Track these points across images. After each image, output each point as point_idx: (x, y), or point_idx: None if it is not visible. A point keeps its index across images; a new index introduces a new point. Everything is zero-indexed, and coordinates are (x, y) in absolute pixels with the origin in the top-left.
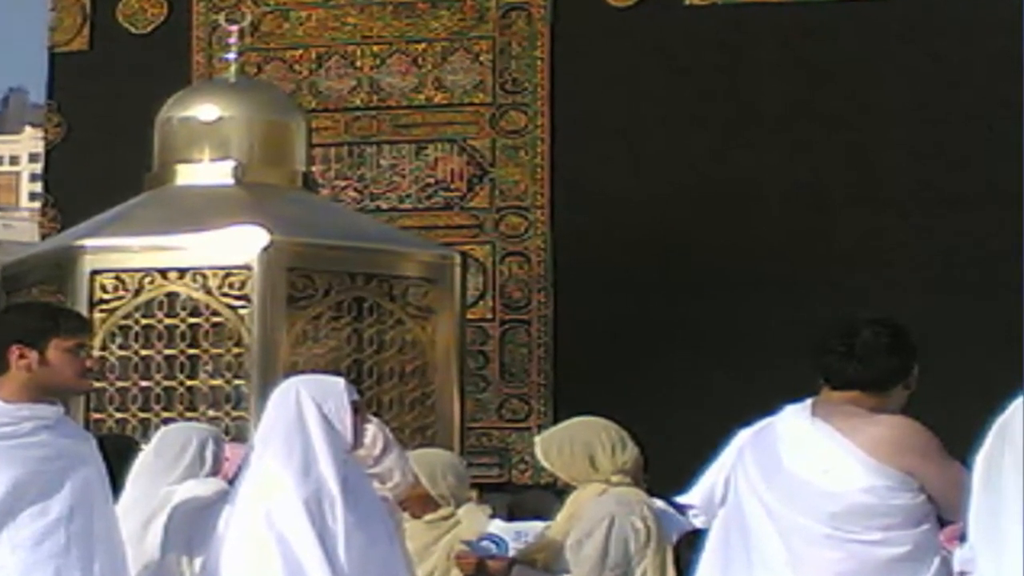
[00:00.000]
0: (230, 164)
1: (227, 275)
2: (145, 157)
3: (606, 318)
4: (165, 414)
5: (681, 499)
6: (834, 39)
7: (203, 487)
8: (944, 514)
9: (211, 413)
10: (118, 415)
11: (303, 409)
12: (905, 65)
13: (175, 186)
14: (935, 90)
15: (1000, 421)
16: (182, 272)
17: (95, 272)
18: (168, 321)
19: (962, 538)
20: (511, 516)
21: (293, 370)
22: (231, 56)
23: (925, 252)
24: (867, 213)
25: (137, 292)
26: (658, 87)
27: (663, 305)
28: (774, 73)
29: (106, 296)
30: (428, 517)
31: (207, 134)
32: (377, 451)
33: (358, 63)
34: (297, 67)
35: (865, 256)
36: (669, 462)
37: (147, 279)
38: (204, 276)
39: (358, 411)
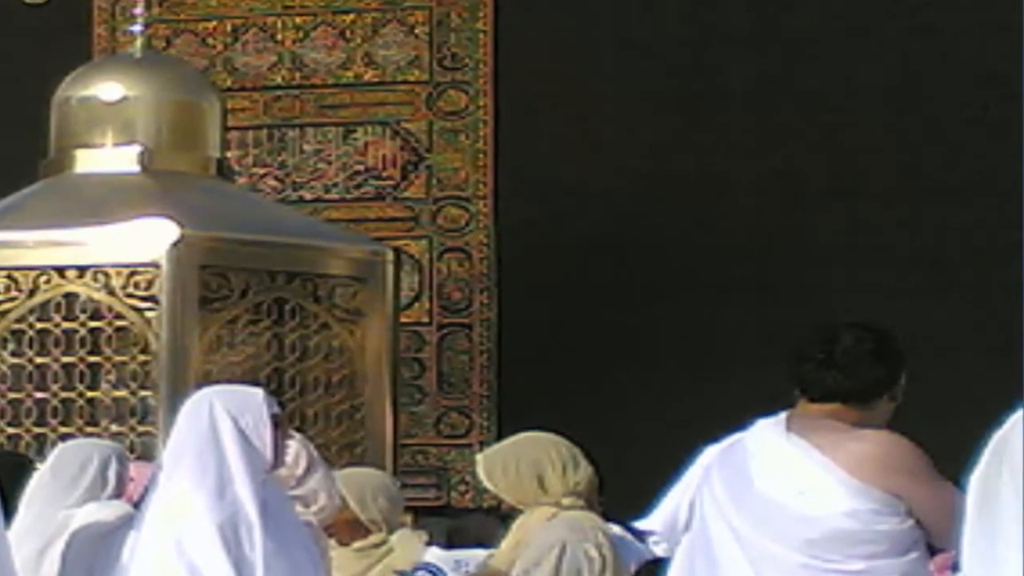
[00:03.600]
0: (135, 149)
1: (132, 274)
2: (40, 141)
3: (556, 322)
4: (63, 429)
5: (640, 524)
6: (812, 10)
7: (105, 511)
8: (934, 541)
9: (114, 428)
10: (10, 430)
11: (217, 424)
12: (891, 39)
13: (74, 174)
14: (924, 67)
15: (997, 437)
16: (82, 270)
17: None
18: (66, 325)
19: (954, 568)
20: (450, 543)
21: (206, 380)
22: (137, 28)
23: (912, 249)
24: (848, 205)
25: (31, 293)
26: (615, 64)
27: (620, 308)
28: (744, 48)
29: None
30: (357, 544)
31: (110, 116)
32: (300, 471)
33: (279, 36)
34: (210, 41)
35: (845, 253)
36: (627, 483)
37: (42, 278)
38: (106, 275)
39: (279, 426)
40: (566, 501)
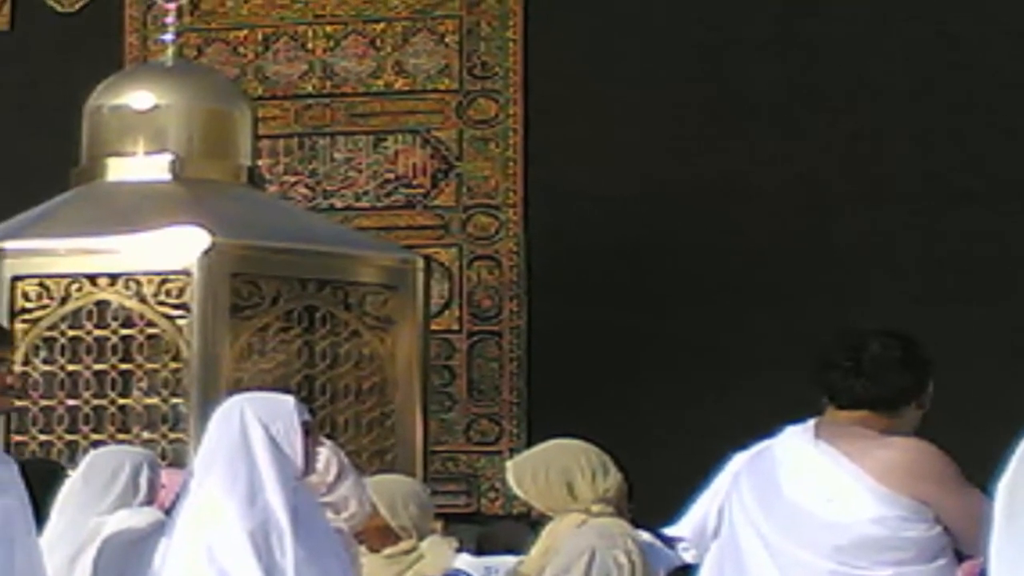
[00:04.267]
0: (167, 158)
1: (164, 281)
2: (72, 149)
3: (585, 329)
4: (95, 436)
5: (669, 531)
6: (834, 15)
7: (137, 517)
8: (962, 548)
9: (146, 435)
10: (42, 437)
11: (248, 431)
12: (913, 44)
13: (105, 182)
14: (947, 72)
15: None
16: (113, 278)
17: (16, 278)
18: (98, 332)
19: (982, 574)
20: (480, 550)
21: (237, 387)
22: (168, 37)
23: (936, 255)
24: (870, 211)
25: (63, 300)
26: (642, 72)
27: (648, 315)
28: (768, 54)
29: (29, 305)
30: (388, 551)
31: (141, 124)
32: (331, 477)
33: (309, 45)
34: (242, 50)
35: (869, 259)
36: (656, 490)
37: (74, 286)
38: (138, 283)
39: (309, 433)
40: (595, 508)
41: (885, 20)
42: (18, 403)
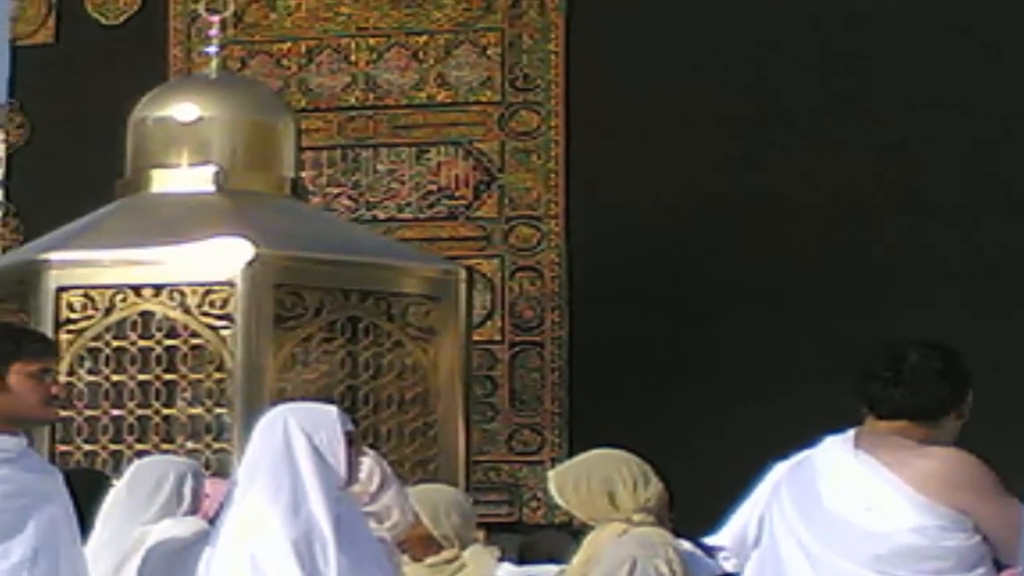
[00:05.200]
0: (211, 169)
1: (208, 292)
2: (117, 161)
3: (626, 340)
4: (139, 446)
5: (710, 540)
6: (877, 29)
7: (181, 527)
8: (1001, 557)
9: (190, 445)
10: (87, 447)
11: (292, 440)
12: (955, 58)
13: (150, 193)
14: (988, 86)
15: None
16: (158, 289)
17: (61, 289)
18: (142, 343)
19: None
20: (522, 559)
21: (281, 397)
22: (212, 50)
23: (975, 266)
24: (910, 222)
25: (108, 311)
26: (683, 85)
27: (689, 325)
28: (809, 67)
29: (74, 315)
30: (430, 560)
31: (185, 136)
32: (374, 487)
33: (352, 57)
34: (285, 62)
35: (908, 271)
36: (697, 499)
37: (119, 296)
38: (182, 293)
39: (352, 443)
40: (637, 517)
41: (926, 34)
42: (63, 413)
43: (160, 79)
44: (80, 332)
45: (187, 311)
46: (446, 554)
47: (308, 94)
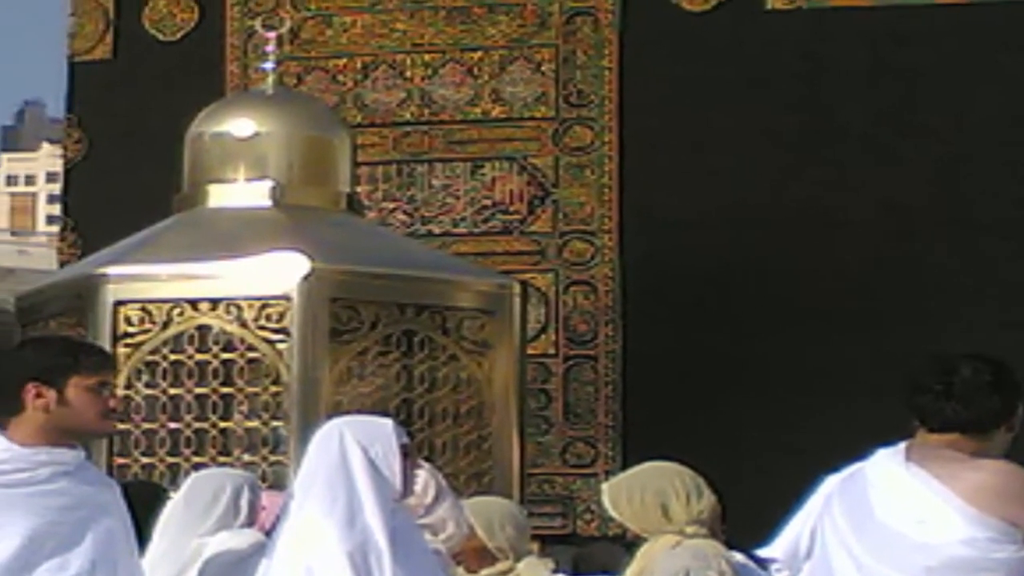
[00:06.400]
0: (267, 184)
1: (264, 306)
2: (174, 176)
3: (679, 353)
4: (196, 459)
5: (763, 552)
6: (928, 45)
7: (238, 539)
8: None
9: (246, 458)
10: (144, 460)
11: (348, 453)
12: (1005, 74)
13: (207, 208)
14: None
15: None
16: (214, 303)
17: (119, 303)
18: (199, 357)
19: None
20: (576, 571)
21: (336, 410)
22: (268, 66)
23: None
24: (961, 237)
25: (165, 325)
26: (735, 100)
27: (741, 339)
28: (862, 83)
29: (131, 329)
30: (485, 572)
31: (242, 151)
32: (429, 499)
33: (408, 73)
34: (341, 78)
35: (958, 285)
36: (749, 511)
37: (176, 310)
38: (239, 307)
39: (408, 455)
40: (690, 529)
41: (976, 48)
42: (120, 426)
43: (217, 95)
44: (137, 346)
45: (244, 325)
46: (500, 566)
47: (364, 110)
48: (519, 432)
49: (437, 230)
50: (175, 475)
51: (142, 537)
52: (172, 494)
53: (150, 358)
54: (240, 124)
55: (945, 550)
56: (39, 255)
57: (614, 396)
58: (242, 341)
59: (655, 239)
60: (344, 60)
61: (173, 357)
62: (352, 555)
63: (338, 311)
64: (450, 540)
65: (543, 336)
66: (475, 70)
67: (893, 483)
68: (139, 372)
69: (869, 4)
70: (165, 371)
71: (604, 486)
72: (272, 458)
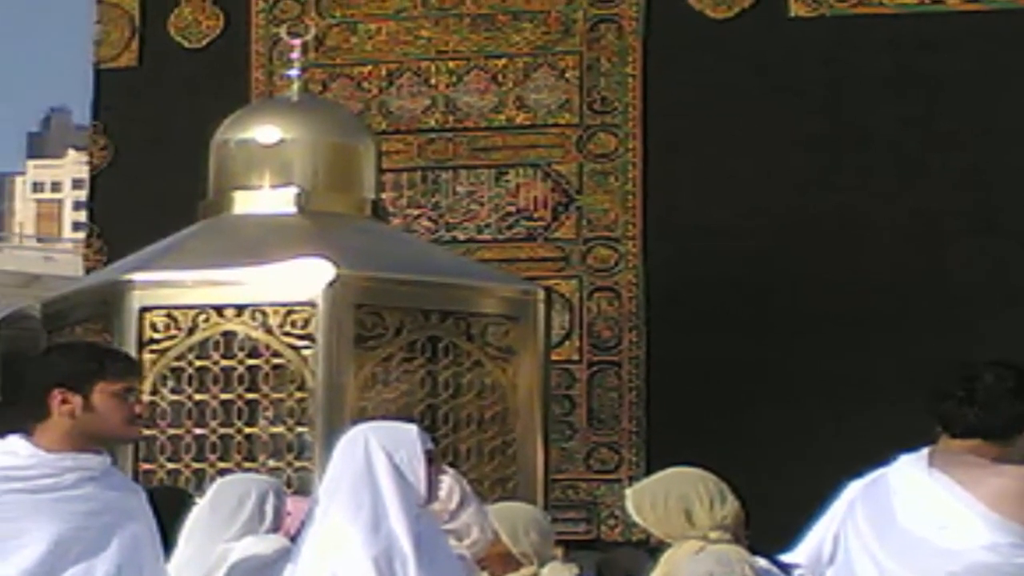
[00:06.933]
0: (292, 191)
1: (289, 312)
2: (199, 183)
3: (703, 359)
4: (221, 464)
5: (786, 557)
6: (953, 52)
7: (263, 544)
8: None
9: (272, 463)
10: (170, 465)
11: (372, 459)
12: None
13: (232, 215)
14: None
15: None
16: (240, 309)
17: (144, 309)
18: (224, 363)
19: None
20: None
21: (361, 416)
22: (293, 73)
23: None
24: (986, 244)
25: (191, 331)
26: (759, 106)
27: (764, 345)
28: (886, 90)
29: (157, 335)
30: None
31: (267, 158)
32: (453, 505)
33: (432, 80)
34: (366, 85)
35: (983, 291)
36: (772, 517)
37: (201, 317)
38: (264, 313)
39: (432, 461)
40: (713, 535)
41: (1001, 55)
42: (146, 432)
43: (242, 102)
44: (163, 352)
45: (269, 331)
46: (525, 571)
47: (388, 116)
48: (543, 438)
49: (461, 236)
50: (200, 481)
51: (168, 542)
52: (197, 499)
53: (176, 364)
54: (265, 131)
55: (967, 556)
56: (65, 261)
57: (638, 402)
58: (267, 347)
59: (679, 245)
60: (369, 67)
61: (198, 363)
62: (377, 560)
63: (363, 317)
64: (475, 545)
65: (567, 342)
66: (499, 77)
67: (916, 489)
68: (165, 378)
69: (893, 11)
70: (191, 377)
71: (628, 491)
72: (297, 464)
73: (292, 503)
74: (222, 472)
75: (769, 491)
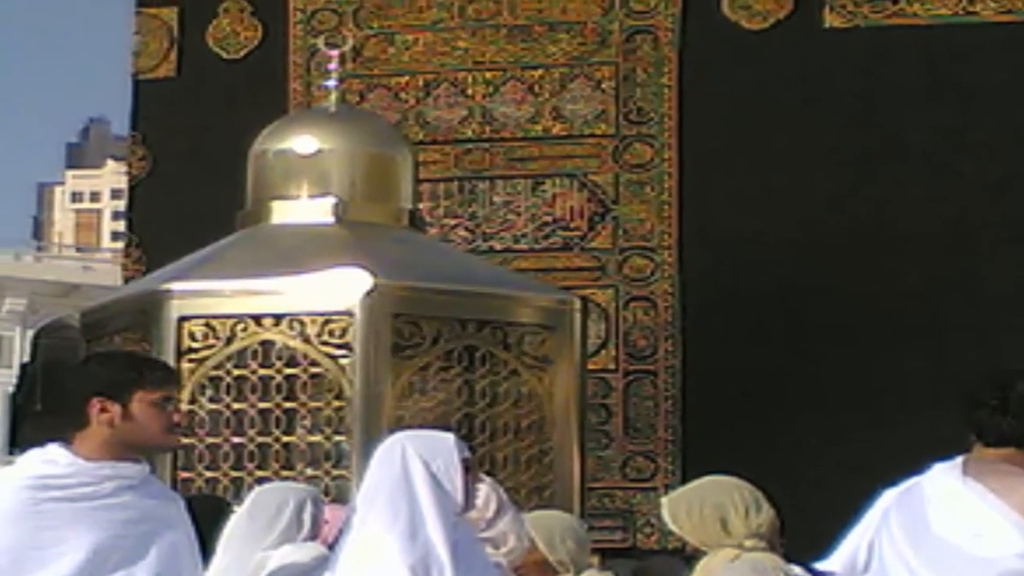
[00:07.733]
0: (330, 201)
1: (327, 322)
2: (237, 193)
3: (739, 368)
4: (259, 473)
5: (821, 565)
6: (986, 63)
7: (300, 552)
8: None
9: (309, 472)
10: (208, 474)
11: (409, 468)
12: None
13: (270, 225)
14: None
15: None
16: (278, 319)
17: (183, 318)
18: (262, 372)
19: None
20: None
21: (398, 425)
22: (331, 83)
23: None
24: (1020, 253)
25: (229, 340)
26: (794, 117)
27: (799, 355)
28: (920, 100)
29: (195, 344)
30: None
31: (305, 168)
32: (490, 513)
33: (469, 91)
34: (403, 95)
35: (1017, 300)
36: (807, 525)
37: (240, 326)
38: (302, 323)
39: (469, 470)
40: (748, 543)
41: None
42: (184, 441)
43: (280, 112)
44: (201, 361)
45: (307, 340)
46: None
47: (426, 127)
48: (579, 446)
49: (498, 246)
50: (239, 489)
51: (206, 551)
52: (235, 508)
53: (214, 373)
54: (303, 141)
55: (1001, 563)
56: (104, 271)
57: (673, 411)
58: (305, 356)
59: (714, 255)
60: (406, 78)
61: (237, 372)
62: (414, 568)
63: (400, 326)
64: (511, 554)
65: (603, 351)
66: (536, 88)
67: (950, 497)
68: (203, 387)
69: (927, 22)
70: (229, 386)
71: (664, 500)
72: (335, 472)
73: (330, 511)
74: (260, 480)
75: (804, 499)
